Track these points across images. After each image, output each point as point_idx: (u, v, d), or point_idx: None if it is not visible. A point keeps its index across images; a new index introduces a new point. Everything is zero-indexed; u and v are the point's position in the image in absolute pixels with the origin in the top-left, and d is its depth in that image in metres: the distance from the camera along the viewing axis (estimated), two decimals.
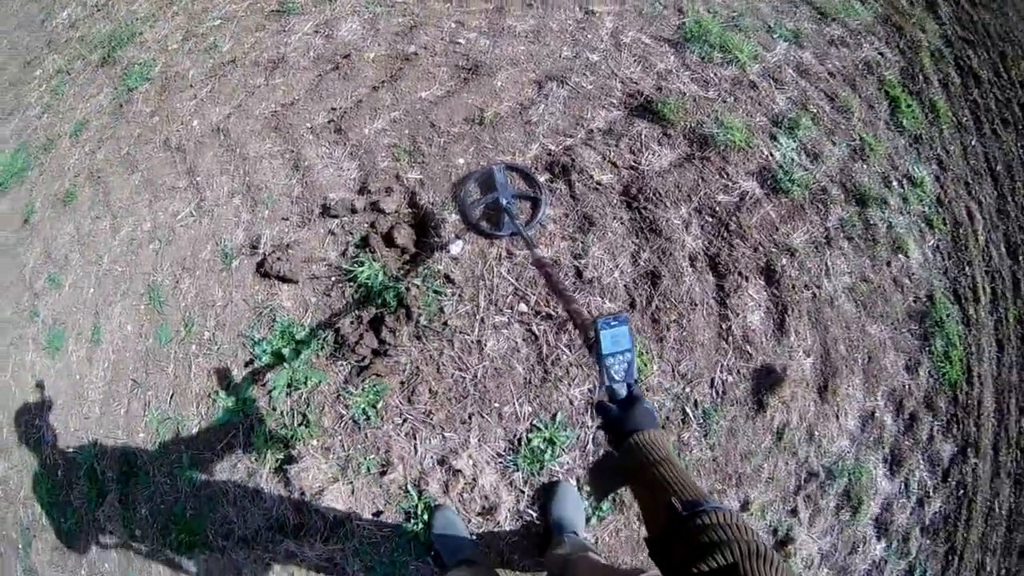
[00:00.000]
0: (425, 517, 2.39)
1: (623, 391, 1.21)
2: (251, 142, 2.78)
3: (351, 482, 2.46)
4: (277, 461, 2.52)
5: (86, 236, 3.07)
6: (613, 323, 1.22)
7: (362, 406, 2.40)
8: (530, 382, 2.40)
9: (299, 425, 2.46)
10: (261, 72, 2.92)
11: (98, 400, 2.92)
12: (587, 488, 2.36)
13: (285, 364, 2.45)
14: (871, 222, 2.77)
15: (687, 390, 2.52)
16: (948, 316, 2.73)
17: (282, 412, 2.50)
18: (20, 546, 3.25)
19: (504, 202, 2.43)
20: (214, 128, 2.90)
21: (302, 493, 2.49)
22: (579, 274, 2.47)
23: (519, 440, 2.40)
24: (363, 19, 2.92)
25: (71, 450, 2.99)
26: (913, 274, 2.77)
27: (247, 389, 2.56)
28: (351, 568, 2.51)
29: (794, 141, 2.79)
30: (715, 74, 2.82)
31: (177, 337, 2.73)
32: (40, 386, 3.16)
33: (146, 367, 2.79)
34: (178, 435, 2.73)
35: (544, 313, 2.41)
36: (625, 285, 2.50)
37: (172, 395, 2.73)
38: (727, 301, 2.59)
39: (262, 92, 2.87)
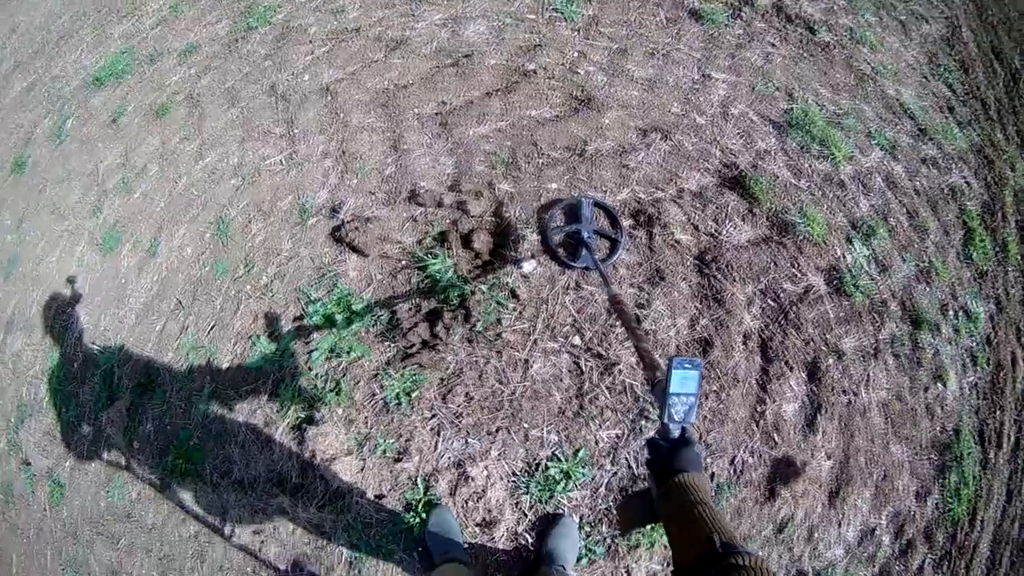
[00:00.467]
0: (424, 513, 2.38)
1: (676, 432, 1.24)
2: (356, 112, 2.82)
3: (364, 459, 2.47)
4: (298, 419, 2.54)
5: (169, 153, 3.11)
6: (687, 365, 1.25)
7: (397, 391, 2.42)
8: (564, 412, 2.42)
9: (330, 391, 2.48)
10: (381, 48, 2.97)
11: (137, 309, 2.94)
12: (614, 519, 2.36)
13: (334, 330, 2.48)
14: (920, 345, 2.79)
15: (708, 460, 2.52)
16: (968, 454, 2.74)
17: (317, 374, 2.52)
18: (12, 420, 3.26)
19: (585, 235, 2.46)
20: (323, 88, 2.94)
21: (313, 456, 2.50)
22: (637, 322, 2.49)
23: (537, 465, 2.41)
24: (491, 25, 2.97)
25: (95, 347, 3.01)
26: (946, 405, 2.79)
27: (289, 342, 2.58)
28: (337, 540, 2.51)
29: (867, 248, 2.82)
30: (809, 165, 2.86)
31: (234, 274, 2.76)
32: (76, 279, 3.18)
33: (194, 293, 2.82)
34: (207, 366, 2.75)
35: (596, 352, 2.43)
36: (678, 345, 2.52)
37: (213, 326, 2.75)
38: (767, 386, 2.61)
39: (378, 67, 2.92)
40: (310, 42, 3.11)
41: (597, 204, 2.59)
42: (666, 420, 1.24)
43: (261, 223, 2.78)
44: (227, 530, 2.66)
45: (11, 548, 3.30)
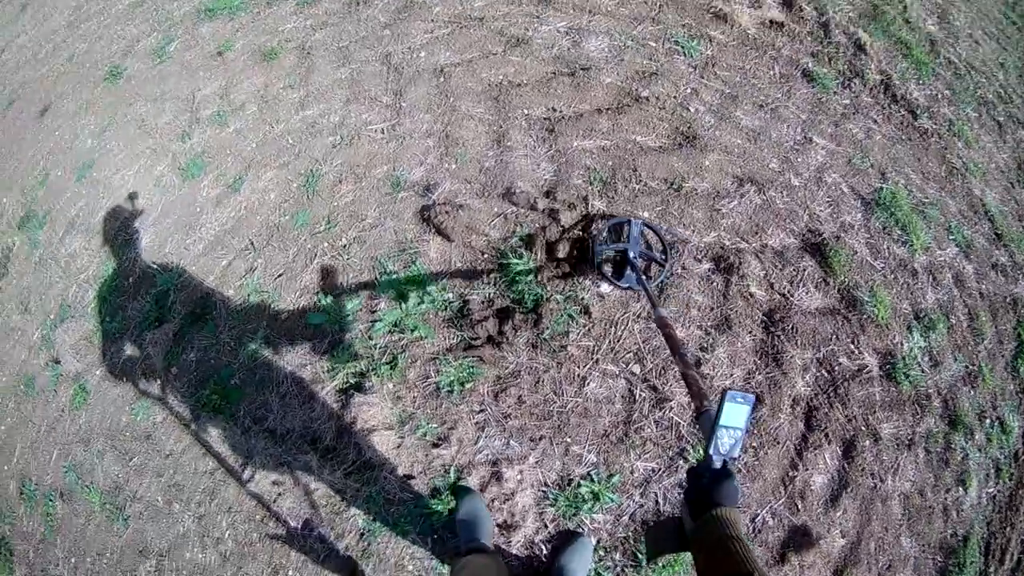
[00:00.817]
0: (450, 501, 2.38)
1: (719, 464, 1.22)
2: (466, 98, 2.84)
3: (402, 437, 2.47)
4: (346, 383, 2.54)
5: (271, 97, 3.13)
6: (739, 400, 1.21)
7: (451, 378, 2.42)
8: (608, 436, 2.43)
9: (385, 364, 2.49)
10: (502, 43, 2.99)
11: (206, 240, 2.95)
12: (642, 544, 2.36)
13: (402, 305, 2.48)
14: (952, 446, 2.79)
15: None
16: (971, 564, 2.74)
17: (375, 344, 2.52)
18: (52, 317, 3.28)
19: (632, 255, 2.47)
20: (437, 68, 2.96)
21: (353, 422, 2.51)
22: (697, 364, 2.50)
23: (570, 480, 2.42)
24: (612, 43, 2.99)
25: (154, 267, 3.02)
26: (962, 510, 2.78)
27: (355, 307, 2.58)
28: (355, 509, 2.52)
29: (925, 341, 2.83)
30: (888, 247, 2.87)
31: (314, 228, 2.77)
32: (151, 197, 3.18)
33: (269, 238, 2.83)
34: (266, 311, 2.76)
35: (652, 384, 2.44)
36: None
37: (281, 274, 2.76)
38: (804, 453, 2.61)
39: (495, 61, 2.93)
40: (432, 20, 3.13)
41: (647, 225, 2.59)
42: (712, 452, 1.21)
43: (352, 185, 2.79)
44: (246, 474, 2.66)
45: (18, 438, 3.31)
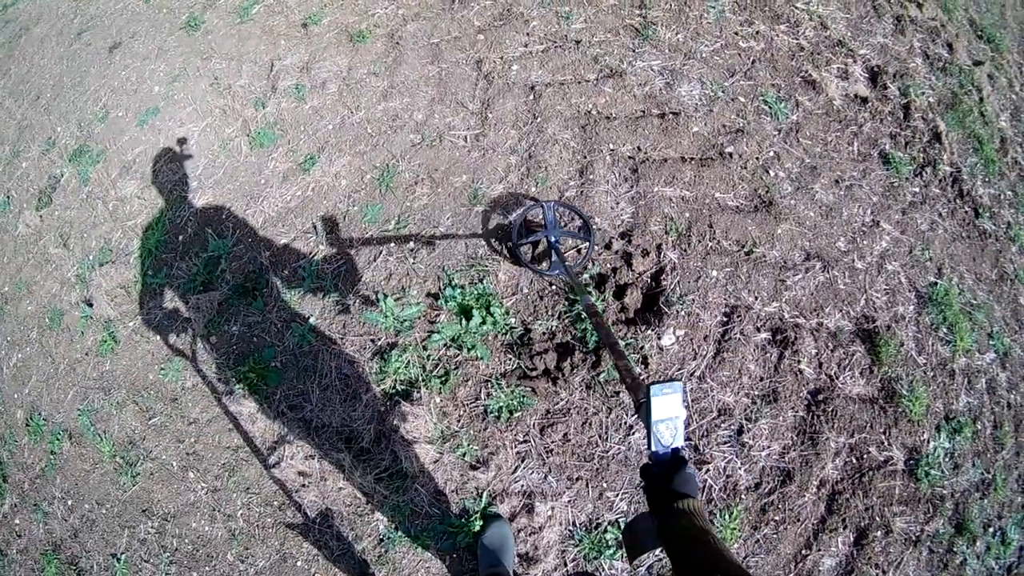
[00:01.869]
0: (477, 524, 2.32)
1: (668, 455, 1.16)
2: (554, 121, 2.74)
3: (441, 453, 2.40)
4: (394, 389, 2.45)
5: (354, 82, 3.00)
6: (667, 390, 1.15)
7: (501, 404, 2.35)
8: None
9: (437, 377, 2.40)
10: (596, 71, 2.88)
11: (269, 214, 2.84)
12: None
13: (463, 322, 2.39)
14: (954, 549, 2.78)
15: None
16: None
17: (430, 356, 2.44)
18: (91, 257, 3.15)
19: (552, 240, 2.36)
20: (528, 84, 2.85)
21: (394, 430, 2.43)
22: (739, 431, 2.45)
23: (598, 525, 2.37)
24: (704, 92, 2.90)
25: (209, 230, 2.91)
26: None
27: (414, 313, 2.49)
28: (379, 515, 2.45)
29: (949, 443, 2.80)
30: (933, 345, 2.83)
31: (383, 225, 2.67)
32: (212, 158, 3.04)
33: (335, 225, 2.72)
34: (321, 298, 2.66)
35: (694, 444, 2.38)
36: (763, 467, 2.48)
37: (342, 265, 2.66)
38: (819, 535, 2.58)
39: (587, 88, 2.83)
40: (527, 34, 3.01)
41: (560, 205, 2.51)
42: (654, 448, 1.15)
43: (428, 188, 2.68)
44: (272, 459, 2.58)
45: (34, 370, 3.20)
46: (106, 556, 2.63)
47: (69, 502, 2.84)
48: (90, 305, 3.15)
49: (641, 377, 2.37)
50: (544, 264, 2.48)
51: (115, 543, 2.63)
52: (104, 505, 2.77)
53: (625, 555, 2.31)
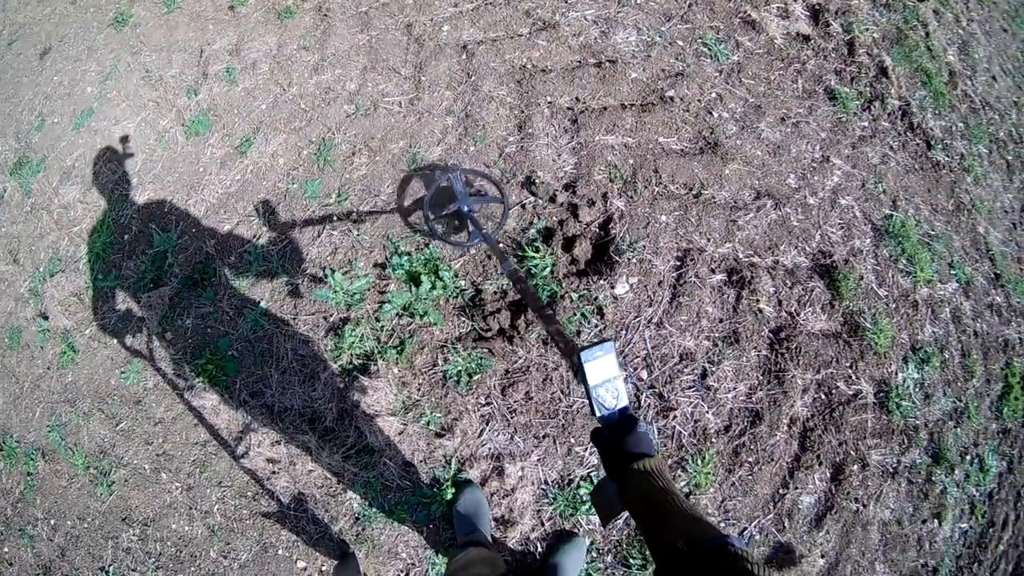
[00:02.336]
0: (449, 493, 2.26)
1: (616, 417, 1.11)
2: (489, 79, 2.64)
3: (405, 424, 2.33)
4: (351, 364, 2.37)
5: (285, 58, 2.89)
6: (598, 352, 1.10)
7: (459, 368, 2.28)
8: None
9: (393, 348, 2.32)
10: (528, 25, 2.78)
11: (210, 202, 2.74)
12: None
13: (413, 289, 2.31)
14: (932, 479, 2.75)
15: (720, 524, 2.45)
16: None
17: (383, 327, 2.36)
18: (42, 269, 3.06)
19: (465, 210, 2.27)
20: (461, 44, 2.75)
21: (355, 406, 2.36)
22: (703, 375, 2.39)
23: (570, 481, 2.31)
24: (641, 38, 2.81)
25: (153, 226, 2.80)
26: (935, 543, 2.76)
27: (363, 285, 2.41)
28: (352, 493, 2.38)
29: (918, 373, 2.77)
30: (893, 277, 2.78)
31: (324, 199, 2.57)
32: (149, 152, 2.93)
33: (276, 205, 2.62)
34: (270, 281, 2.57)
35: (658, 392, 2.32)
36: (731, 409, 2.43)
37: (287, 245, 2.56)
38: (795, 473, 2.54)
39: (521, 43, 2.73)
40: None
41: (467, 172, 2.43)
42: (598, 413, 1.10)
43: (366, 158, 2.58)
44: (240, 449, 2.50)
45: (0, 392, 3.10)
46: (95, 571, 2.56)
47: (52, 521, 2.76)
48: (46, 318, 3.04)
49: (577, 340, 2.31)
50: (463, 235, 2.39)
51: (101, 556, 2.57)
52: (85, 519, 2.70)
53: (598, 517, 2.25)
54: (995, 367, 2.92)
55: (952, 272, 2.91)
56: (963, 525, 2.74)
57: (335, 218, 2.52)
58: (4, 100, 3.60)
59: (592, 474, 2.31)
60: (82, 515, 2.63)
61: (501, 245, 2.39)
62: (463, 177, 2.31)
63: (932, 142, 3.08)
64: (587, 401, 1.11)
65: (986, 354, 2.94)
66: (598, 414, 1.10)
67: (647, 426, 2.23)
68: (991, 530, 2.76)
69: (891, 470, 2.63)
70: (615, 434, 1.09)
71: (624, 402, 1.11)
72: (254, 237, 2.59)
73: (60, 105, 3.36)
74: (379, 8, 2.89)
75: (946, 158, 3.08)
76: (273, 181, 2.65)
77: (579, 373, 1.11)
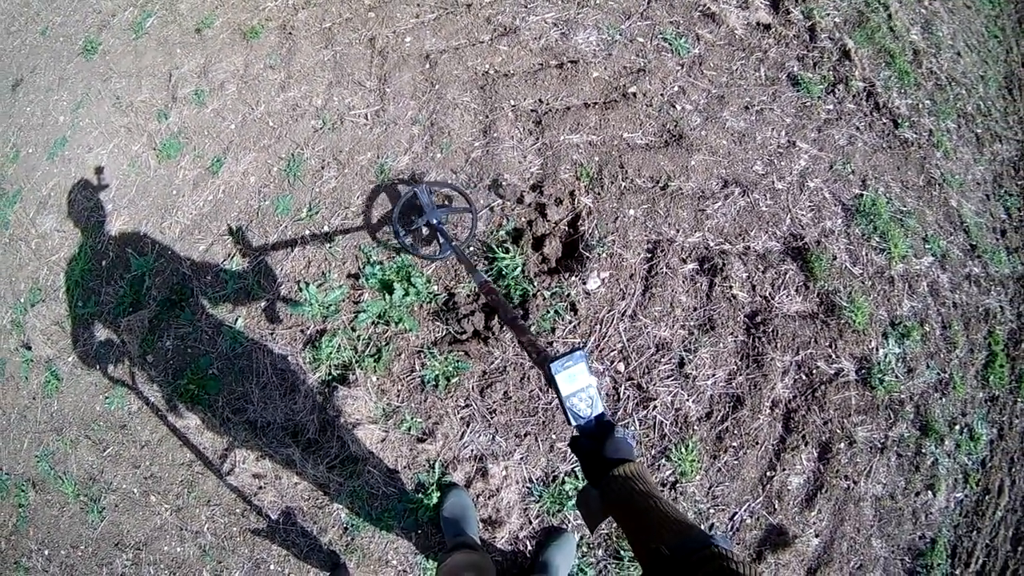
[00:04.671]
0: (435, 497, 2.29)
1: (592, 424, 1.13)
2: (453, 87, 2.69)
3: (387, 431, 2.36)
4: (330, 376, 2.41)
5: (252, 78, 2.94)
6: (568, 363, 1.12)
7: (437, 373, 2.31)
8: None
9: (370, 356, 2.36)
10: (489, 31, 2.84)
11: (184, 224, 2.78)
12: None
13: (387, 297, 2.36)
14: (922, 451, 2.78)
15: (709, 511, 2.48)
16: (938, 566, 2.74)
17: (359, 336, 2.40)
18: (22, 300, 3.09)
19: (435, 222, 2.31)
20: (423, 54, 2.80)
21: (336, 415, 2.39)
22: (681, 364, 2.43)
23: (554, 477, 2.34)
24: (601, 37, 2.87)
25: (129, 251, 2.85)
26: (931, 514, 2.79)
27: (338, 297, 2.45)
28: (338, 503, 2.41)
29: (899, 348, 2.80)
30: (867, 255, 2.83)
31: (295, 215, 2.61)
32: (123, 178, 2.98)
33: (249, 223, 2.67)
34: (246, 298, 2.61)
35: (637, 383, 2.36)
36: (711, 396, 2.47)
37: (262, 262, 2.60)
38: (781, 455, 2.57)
39: (482, 49, 2.79)
40: (418, 5, 2.96)
41: (431, 184, 2.46)
42: (574, 423, 1.12)
43: (335, 171, 2.63)
44: (225, 467, 2.53)
45: None
46: None
47: (46, 552, 2.78)
48: (29, 348, 3.08)
49: (548, 345, 2.34)
50: (433, 247, 2.44)
51: None
52: (79, 547, 2.72)
53: (585, 522, 2.28)
54: (977, 336, 2.96)
55: (927, 246, 2.96)
56: (958, 495, 2.77)
57: (308, 237, 2.57)
58: None
59: (576, 469, 2.34)
60: (75, 543, 2.66)
61: (471, 250, 2.43)
62: (428, 189, 2.36)
63: (899, 120, 3.13)
64: (562, 411, 1.13)
65: (967, 324, 2.98)
66: (573, 423, 1.12)
67: (625, 430, 2.25)
68: (987, 497, 2.79)
69: (879, 445, 2.67)
70: (593, 441, 1.10)
71: (599, 409, 1.12)
72: (229, 256, 2.64)
73: (33, 135, 3.41)
74: (342, 23, 2.95)
75: (914, 135, 3.13)
76: (245, 199, 2.69)
77: (552, 384, 1.13)
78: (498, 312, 1.62)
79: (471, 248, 2.43)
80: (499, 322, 2.30)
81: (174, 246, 2.75)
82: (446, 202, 2.54)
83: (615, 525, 2.38)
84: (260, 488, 2.46)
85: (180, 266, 2.71)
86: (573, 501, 2.33)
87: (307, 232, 2.59)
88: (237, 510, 2.50)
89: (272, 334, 2.50)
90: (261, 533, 2.44)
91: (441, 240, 2.24)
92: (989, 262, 3.05)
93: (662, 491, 2.45)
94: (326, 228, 2.57)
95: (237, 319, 2.56)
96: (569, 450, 1.16)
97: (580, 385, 1.12)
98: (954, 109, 3.25)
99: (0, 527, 2.90)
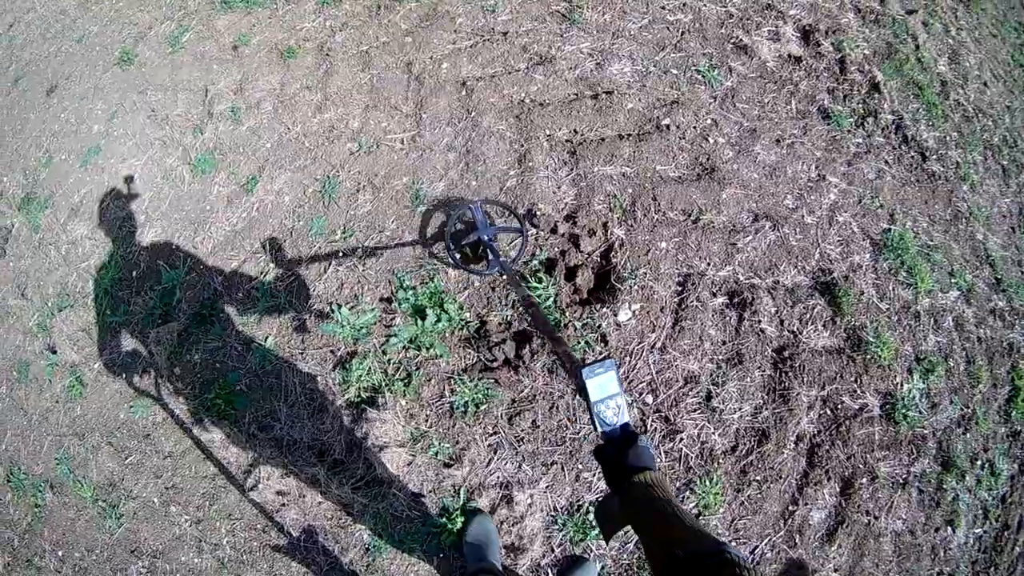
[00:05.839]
0: (459, 522, 2.31)
1: (617, 432, 1.17)
2: (489, 115, 2.73)
3: (413, 455, 2.39)
4: (358, 397, 2.44)
5: (288, 97, 2.99)
6: (599, 370, 1.17)
7: (466, 399, 2.34)
8: None
9: (400, 380, 2.39)
10: (525, 59, 2.88)
11: (217, 240, 2.82)
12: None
13: (419, 322, 2.39)
14: (943, 487, 2.78)
15: (730, 543, 2.49)
16: None
17: (390, 359, 2.43)
18: (50, 304, 3.13)
19: (486, 239, 2.35)
20: (460, 81, 2.85)
21: (364, 437, 2.42)
22: (708, 397, 2.45)
23: (579, 507, 2.36)
24: (636, 69, 2.91)
25: (161, 263, 2.89)
26: (950, 550, 2.79)
27: (370, 320, 2.48)
28: (361, 524, 2.43)
29: (923, 383, 2.81)
30: (893, 289, 2.85)
31: (329, 236, 2.65)
32: (156, 190, 3.02)
33: (283, 242, 2.70)
34: (277, 316, 2.64)
35: (664, 415, 2.38)
36: (737, 429, 2.49)
37: (294, 281, 2.64)
38: (804, 489, 2.58)
39: (518, 78, 2.83)
40: (455, 31, 3.01)
41: (487, 202, 2.52)
42: (600, 429, 1.17)
43: (370, 195, 2.67)
44: (249, 483, 2.56)
45: (9, 424, 3.16)
46: None
47: (60, 553, 2.81)
48: (54, 352, 3.12)
49: (583, 360, 2.37)
50: (482, 264, 2.48)
51: None
52: (93, 551, 2.74)
53: (601, 533, 2.30)
54: (1001, 371, 2.97)
55: (953, 280, 2.97)
56: (977, 530, 2.77)
57: (343, 255, 2.61)
58: (12, 136, 3.71)
59: (601, 497, 2.36)
60: (90, 547, 2.69)
61: (517, 271, 2.46)
62: (483, 207, 2.40)
63: (927, 153, 3.16)
64: (589, 417, 1.17)
65: (991, 359, 2.99)
66: (599, 429, 1.16)
67: (648, 441, 2.27)
68: (1006, 533, 2.79)
69: (901, 481, 2.67)
70: (617, 449, 1.14)
71: (625, 418, 1.17)
72: (261, 273, 2.67)
73: (67, 142, 3.47)
74: (379, 47, 2.99)
75: (941, 168, 3.15)
76: (279, 218, 2.73)
77: (582, 390, 1.17)
78: (537, 324, 1.67)
79: (516, 270, 2.46)
80: (530, 350, 2.33)
81: (206, 261, 2.79)
82: (498, 222, 2.57)
83: (637, 553, 2.39)
84: (283, 505, 2.49)
85: (212, 281, 2.75)
86: (596, 531, 2.34)
87: (341, 252, 2.62)
88: (258, 525, 2.53)
89: (302, 353, 2.53)
90: (282, 550, 2.46)
91: (490, 257, 2.27)
92: (1014, 296, 3.06)
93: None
94: (367, 244, 2.60)
95: (267, 337, 2.60)
96: (594, 458, 1.20)
97: (608, 392, 1.16)
98: (981, 140, 3.27)
99: (15, 524, 2.93)
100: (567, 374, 1.40)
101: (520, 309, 2.36)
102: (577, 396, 2.42)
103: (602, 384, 1.16)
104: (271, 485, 2.50)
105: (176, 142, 3.08)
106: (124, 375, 2.85)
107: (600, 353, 2.39)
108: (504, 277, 2.38)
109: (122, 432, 2.80)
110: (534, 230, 2.56)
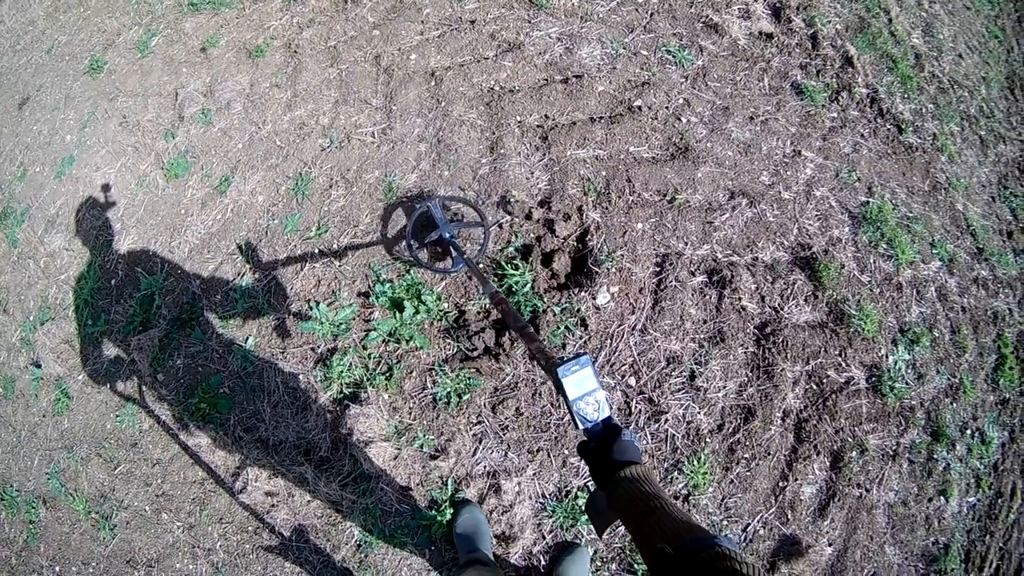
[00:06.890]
0: (448, 513, 2.30)
1: (600, 428, 1.15)
2: (459, 104, 2.71)
3: (399, 449, 2.37)
4: (341, 394, 2.43)
5: (258, 97, 2.96)
6: (575, 367, 1.15)
7: (448, 390, 2.32)
8: None
9: (381, 374, 2.38)
10: (493, 47, 2.86)
11: (192, 243, 2.80)
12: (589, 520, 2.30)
13: (397, 315, 2.37)
14: (934, 456, 2.78)
15: (722, 522, 2.49)
16: (951, 571, 2.74)
17: (370, 354, 2.41)
18: (32, 318, 3.11)
19: (448, 236, 2.32)
20: (429, 71, 2.82)
21: (349, 434, 2.40)
22: (692, 377, 2.44)
23: (567, 492, 2.35)
24: (605, 51, 2.89)
25: (138, 270, 2.86)
26: (944, 519, 2.79)
27: (348, 315, 2.46)
28: (351, 521, 2.42)
29: (909, 354, 2.81)
30: (874, 262, 2.84)
31: (304, 233, 2.63)
32: (131, 197, 3.00)
33: (259, 242, 2.68)
34: (257, 317, 2.62)
35: (648, 396, 2.37)
36: (722, 408, 2.48)
37: (271, 281, 2.62)
38: (793, 465, 2.58)
39: (487, 65, 2.81)
40: (422, 22, 2.98)
41: (445, 199, 2.49)
42: (581, 427, 1.15)
43: (343, 190, 2.65)
44: (238, 485, 2.54)
45: None
46: None
47: (57, 568, 2.80)
48: (38, 366, 3.09)
49: (558, 356, 2.36)
50: (447, 261, 2.46)
51: None
52: (90, 564, 2.73)
53: (593, 527, 2.29)
54: (987, 340, 2.97)
55: (934, 251, 2.97)
56: (970, 499, 2.77)
57: (318, 253, 2.59)
58: None
59: (589, 483, 2.35)
60: (86, 560, 2.67)
61: (482, 266, 2.45)
62: (441, 204, 2.38)
63: (903, 126, 3.14)
64: (570, 416, 1.16)
65: (976, 328, 2.98)
66: (581, 427, 1.15)
67: (632, 434, 2.27)
68: (999, 500, 2.79)
69: (891, 452, 2.67)
70: (601, 444, 1.13)
71: (606, 413, 1.15)
72: (238, 275, 2.65)
73: (41, 154, 3.44)
74: (347, 42, 2.97)
75: (918, 140, 3.14)
76: (254, 218, 2.71)
77: (559, 389, 1.16)
78: (508, 322, 1.65)
79: (480, 264, 2.44)
80: (510, 337, 2.31)
81: (183, 265, 2.77)
82: (457, 217, 2.56)
83: (628, 536, 2.39)
84: (273, 506, 2.47)
85: (190, 285, 2.72)
86: (586, 516, 2.33)
87: (316, 250, 2.60)
88: (250, 528, 2.51)
89: (283, 353, 2.51)
90: (274, 551, 2.45)
91: (454, 254, 2.25)
92: (996, 264, 3.05)
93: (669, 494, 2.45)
94: (335, 246, 2.59)
95: (248, 338, 2.58)
96: (579, 456, 1.18)
97: (587, 389, 1.15)
98: (957, 112, 3.26)
99: (11, 543, 2.92)
100: (544, 371, 1.37)
101: (491, 306, 2.34)
102: (556, 391, 2.41)
103: (579, 381, 1.15)
104: (260, 486, 2.48)
105: (148, 148, 3.05)
106: (109, 385, 2.83)
107: (580, 338, 2.38)
108: (470, 273, 2.36)
109: (110, 442, 2.79)
110: (508, 217, 2.54)
